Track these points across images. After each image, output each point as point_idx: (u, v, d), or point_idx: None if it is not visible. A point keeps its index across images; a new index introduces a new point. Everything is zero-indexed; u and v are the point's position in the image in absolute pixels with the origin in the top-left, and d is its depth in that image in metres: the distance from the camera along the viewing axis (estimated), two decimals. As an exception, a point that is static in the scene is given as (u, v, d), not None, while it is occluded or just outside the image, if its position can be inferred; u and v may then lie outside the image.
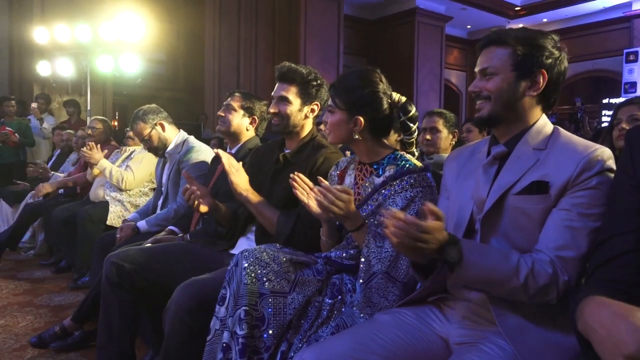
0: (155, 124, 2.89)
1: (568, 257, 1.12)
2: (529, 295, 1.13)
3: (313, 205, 1.48)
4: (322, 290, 1.52)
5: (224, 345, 1.38)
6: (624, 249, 0.99)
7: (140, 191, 3.57)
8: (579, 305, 0.89)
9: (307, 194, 1.52)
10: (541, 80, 1.26)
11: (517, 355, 1.08)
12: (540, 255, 1.15)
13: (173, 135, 2.95)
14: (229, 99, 2.54)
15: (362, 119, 1.60)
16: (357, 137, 1.63)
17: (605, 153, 1.17)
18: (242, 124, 2.52)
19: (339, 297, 1.50)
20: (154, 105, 3.02)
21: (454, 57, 14.94)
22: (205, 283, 1.67)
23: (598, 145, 1.19)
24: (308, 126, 2.05)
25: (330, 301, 1.47)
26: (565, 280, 1.11)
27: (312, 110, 2.03)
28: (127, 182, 3.51)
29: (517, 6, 13.59)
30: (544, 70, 1.26)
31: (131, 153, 3.74)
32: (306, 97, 2.00)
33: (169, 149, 2.92)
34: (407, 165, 1.58)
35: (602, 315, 0.80)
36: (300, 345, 1.39)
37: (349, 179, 1.72)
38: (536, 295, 1.13)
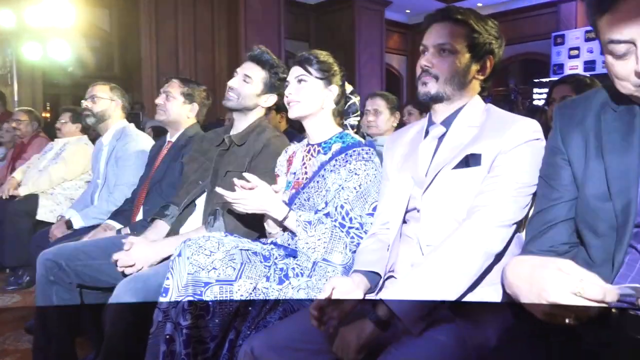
0: (114, 100, 2.76)
1: (501, 220, 1.16)
2: (481, 267, 1.15)
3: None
4: (269, 276, 1.50)
5: (167, 337, 1.35)
6: (555, 219, 1.05)
7: (75, 184, 3.40)
8: (503, 270, 0.94)
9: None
10: (488, 65, 1.30)
11: (460, 325, 1.11)
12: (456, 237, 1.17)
13: (115, 120, 2.80)
14: (167, 85, 2.45)
15: (335, 86, 1.66)
16: (325, 107, 1.66)
17: (532, 124, 1.23)
18: (182, 111, 2.44)
19: (287, 282, 1.49)
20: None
21: (394, 42, 15.13)
22: (148, 278, 1.63)
23: (525, 118, 1.25)
24: (259, 113, 2.03)
25: (278, 286, 1.46)
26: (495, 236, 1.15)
27: (269, 101, 2.02)
28: (57, 176, 3.32)
29: (454, -10, 13.93)
30: (491, 56, 1.30)
31: (64, 144, 3.55)
32: (269, 86, 1.99)
33: (106, 135, 2.77)
34: (352, 141, 1.62)
35: (522, 270, 0.85)
36: (248, 332, 1.38)
37: (297, 162, 1.73)
38: (479, 259, 1.15)
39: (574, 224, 1.04)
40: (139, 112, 7.91)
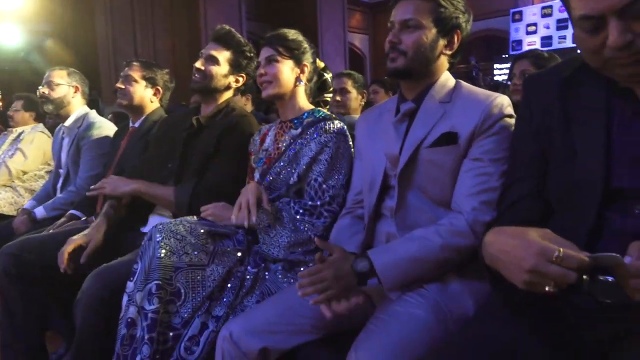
0: (72, 85, 2.65)
1: (487, 200, 1.17)
2: (460, 257, 1.18)
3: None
4: (244, 260, 1.49)
5: (129, 320, 1.33)
6: (524, 193, 1.07)
7: (35, 175, 3.25)
8: (482, 241, 0.95)
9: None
10: (456, 40, 1.30)
11: (439, 300, 1.13)
12: (451, 220, 1.19)
13: (76, 107, 2.69)
14: (127, 69, 2.37)
15: (307, 64, 1.66)
16: (299, 83, 1.66)
17: (504, 100, 1.24)
18: (145, 95, 2.37)
19: (262, 264, 1.48)
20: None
21: (356, 21, 15.08)
22: (117, 269, 1.58)
23: (497, 94, 1.26)
24: (227, 94, 2.00)
25: (253, 270, 1.45)
26: (487, 221, 1.16)
27: (237, 81, 1.99)
28: (16, 169, 3.18)
29: (414, -32, 13.93)
30: (458, 31, 1.30)
31: (19, 134, 3.38)
32: (236, 66, 1.95)
33: (67, 123, 2.66)
34: (322, 115, 1.63)
35: (500, 241, 0.87)
36: (225, 316, 1.36)
37: (269, 139, 1.72)
38: (464, 252, 1.17)
39: (541, 197, 1.05)
40: (97, 98, 7.63)
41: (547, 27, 12.12)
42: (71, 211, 2.31)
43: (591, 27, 0.86)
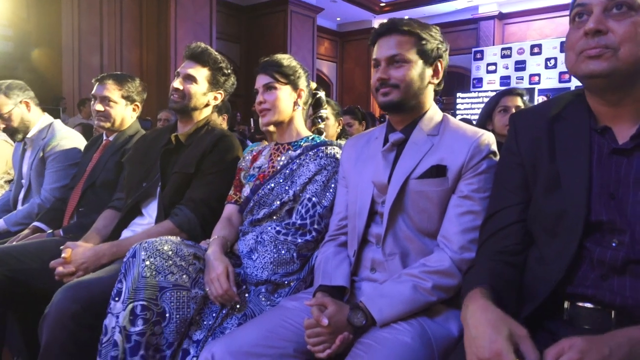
0: (20, 102, 2.49)
1: (474, 239, 1.22)
2: (449, 295, 1.23)
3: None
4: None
5: (114, 341, 1.28)
6: (509, 221, 1.12)
7: (-6, 184, 3.12)
8: (467, 296, 0.99)
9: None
10: (440, 69, 1.37)
11: (424, 326, 1.16)
12: (438, 259, 1.23)
13: (37, 119, 2.56)
14: (102, 89, 2.28)
15: (303, 88, 1.69)
16: (296, 108, 1.68)
17: (490, 137, 1.31)
18: (125, 115, 2.34)
19: (244, 287, 1.47)
20: (20, 81, 2.58)
21: (324, 48, 15.36)
22: (90, 284, 1.53)
23: (483, 131, 1.32)
24: (206, 112, 2.00)
25: (234, 289, 1.44)
26: (473, 258, 1.20)
27: (215, 98, 1.99)
28: None
29: (382, 2, 14.39)
30: (441, 60, 1.37)
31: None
32: (214, 84, 1.95)
33: (30, 134, 2.54)
34: (322, 141, 1.68)
35: (479, 318, 0.90)
36: (205, 339, 1.34)
37: (262, 158, 1.73)
38: (452, 291, 1.23)
39: (525, 225, 1.11)
40: (62, 108, 7.38)
41: (506, 68, 12.73)
42: (35, 223, 2.22)
43: (579, 13, 0.99)
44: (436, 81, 1.38)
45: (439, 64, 1.37)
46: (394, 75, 1.32)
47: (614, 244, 0.95)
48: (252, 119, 7.91)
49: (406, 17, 1.40)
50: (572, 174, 1.02)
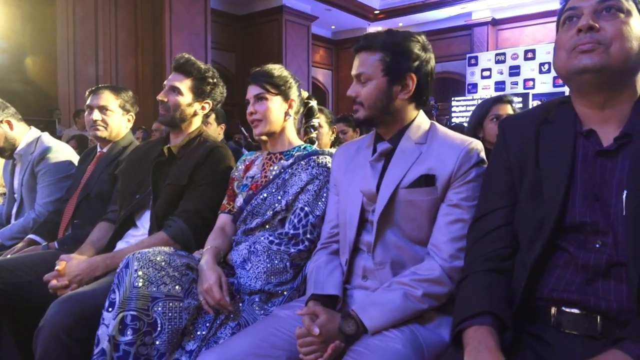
0: (1, 122, 2.47)
1: (463, 247, 1.23)
2: (440, 303, 1.24)
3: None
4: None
5: (102, 349, 1.28)
6: (496, 224, 1.13)
7: (-13, 197, 3.11)
8: (473, 334, 0.98)
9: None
10: (411, 84, 1.34)
11: (415, 332, 1.17)
12: (428, 268, 1.25)
13: (23, 134, 2.54)
14: (99, 98, 2.30)
15: (294, 98, 1.71)
16: (288, 118, 1.70)
17: (478, 145, 1.32)
18: (122, 125, 2.36)
19: (237, 296, 1.48)
20: None
21: (320, 56, 15.43)
22: (83, 297, 1.52)
23: (471, 139, 1.33)
24: (196, 122, 2.00)
25: (227, 299, 1.44)
26: (462, 266, 1.21)
27: (203, 108, 1.99)
28: None
29: (377, 10, 14.47)
30: (412, 74, 1.33)
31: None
32: (199, 93, 1.95)
33: (18, 149, 2.52)
34: (314, 150, 1.69)
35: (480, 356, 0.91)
36: (198, 349, 1.34)
37: (255, 168, 1.74)
38: (443, 298, 1.24)
39: (512, 228, 1.12)
40: (57, 119, 7.37)
41: (501, 73, 12.81)
42: (30, 236, 2.22)
43: (570, 16, 1.04)
44: (406, 97, 1.35)
45: (409, 79, 1.33)
46: (360, 92, 1.36)
47: (597, 245, 0.97)
48: (242, 128, 7.95)
49: (384, 29, 1.41)
50: (553, 179, 1.03)
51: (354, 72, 1.37)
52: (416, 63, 1.33)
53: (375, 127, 1.40)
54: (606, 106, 1.03)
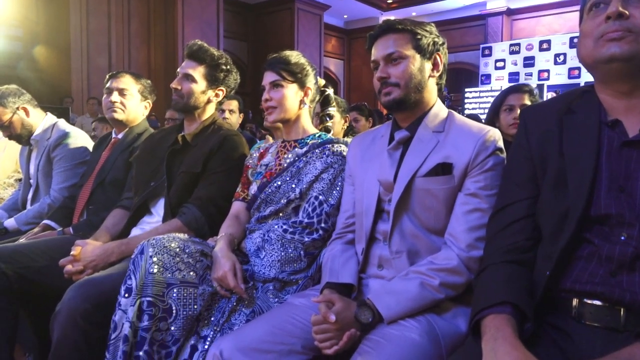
0: (17, 108, 2.50)
1: (481, 237, 1.21)
2: (457, 293, 1.23)
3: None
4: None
5: (125, 336, 1.29)
6: (518, 216, 1.11)
7: (4, 183, 3.15)
8: (491, 322, 0.96)
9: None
10: (440, 62, 1.37)
11: (432, 322, 1.16)
12: (446, 257, 1.23)
13: (39, 120, 2.57)
14: (118, 81, 2.32)
15: (310, 86, 1.68)
16: (303, 106, 1.68)
17: (496, 134, 1.30)
18: (139, 110, 2.37)
19: (251, 283, 1.48)
20: (13, 86, 2.59)
21: (332, 46, 15.35)
22: (100, 282, 1.54)
23: (489, 127, 1.32)
24: (210, 110, 2.00)
25: (242, 286, 1.44)
26: (481, 256, 1.19)
27: (217, 95, 1.99)
28: None
29: (389, -1, 14.36)
30: (439, 53, 1.37)
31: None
32: (213, 80, 1.94)
33: (35, 135, 2.55)
34: (328, 138, 1.67)
35: (500, 348, 0.89)
36: (213, 335, 1.34)
37: (269, 156, 1.73)
38: (460, 288, 1.23)
39: (534, 220, 1.10)
40: (69, 107, 7.43)
41: (515, 64, 12.66)
42: (46, 221, 2.24)
43: (596, 3, 1.01)
44: (437, 74, 1.37)
45: (437, 57, 1.37)
46: (393, 73, 1.33)
47: (622, 238, 0.95)
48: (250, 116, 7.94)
49: (412, 14, 1.39)
50: (578, 170, 1.01)
51: (382, 52, 1.34)
52: (438, 44, 1.37)
53: (404, 111, 1.37)
54: (632, 95, 1.00)
